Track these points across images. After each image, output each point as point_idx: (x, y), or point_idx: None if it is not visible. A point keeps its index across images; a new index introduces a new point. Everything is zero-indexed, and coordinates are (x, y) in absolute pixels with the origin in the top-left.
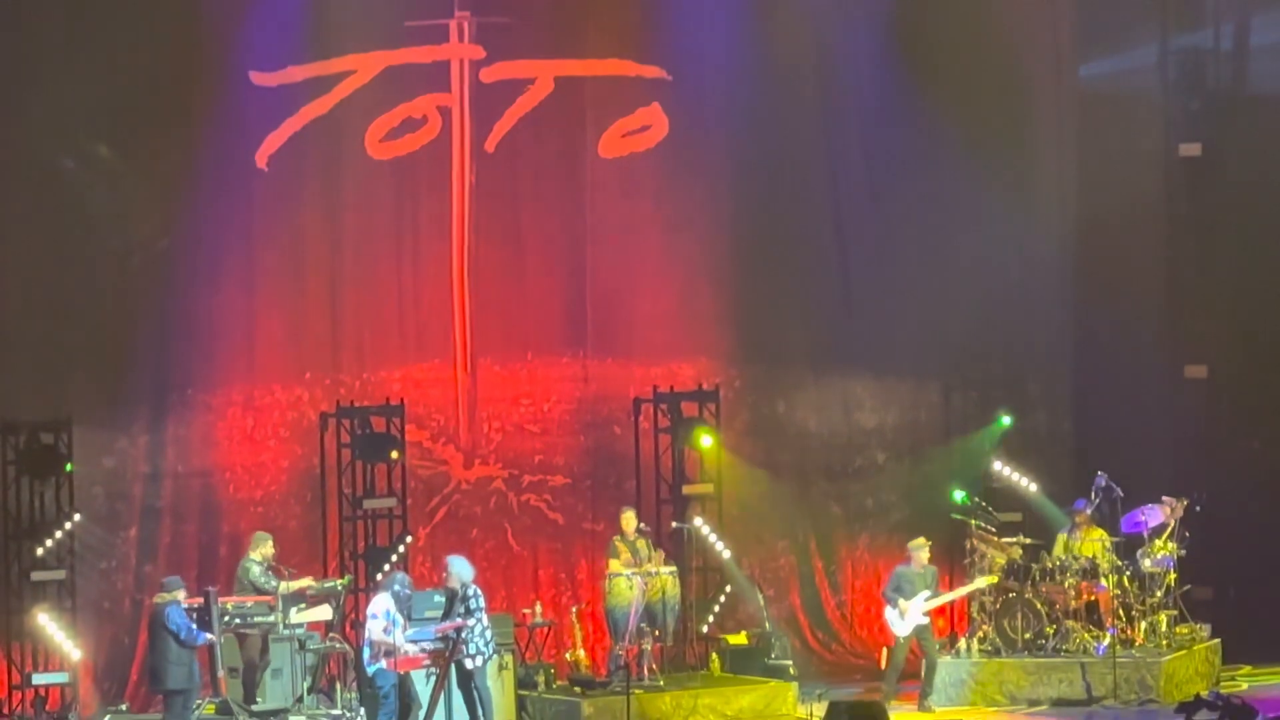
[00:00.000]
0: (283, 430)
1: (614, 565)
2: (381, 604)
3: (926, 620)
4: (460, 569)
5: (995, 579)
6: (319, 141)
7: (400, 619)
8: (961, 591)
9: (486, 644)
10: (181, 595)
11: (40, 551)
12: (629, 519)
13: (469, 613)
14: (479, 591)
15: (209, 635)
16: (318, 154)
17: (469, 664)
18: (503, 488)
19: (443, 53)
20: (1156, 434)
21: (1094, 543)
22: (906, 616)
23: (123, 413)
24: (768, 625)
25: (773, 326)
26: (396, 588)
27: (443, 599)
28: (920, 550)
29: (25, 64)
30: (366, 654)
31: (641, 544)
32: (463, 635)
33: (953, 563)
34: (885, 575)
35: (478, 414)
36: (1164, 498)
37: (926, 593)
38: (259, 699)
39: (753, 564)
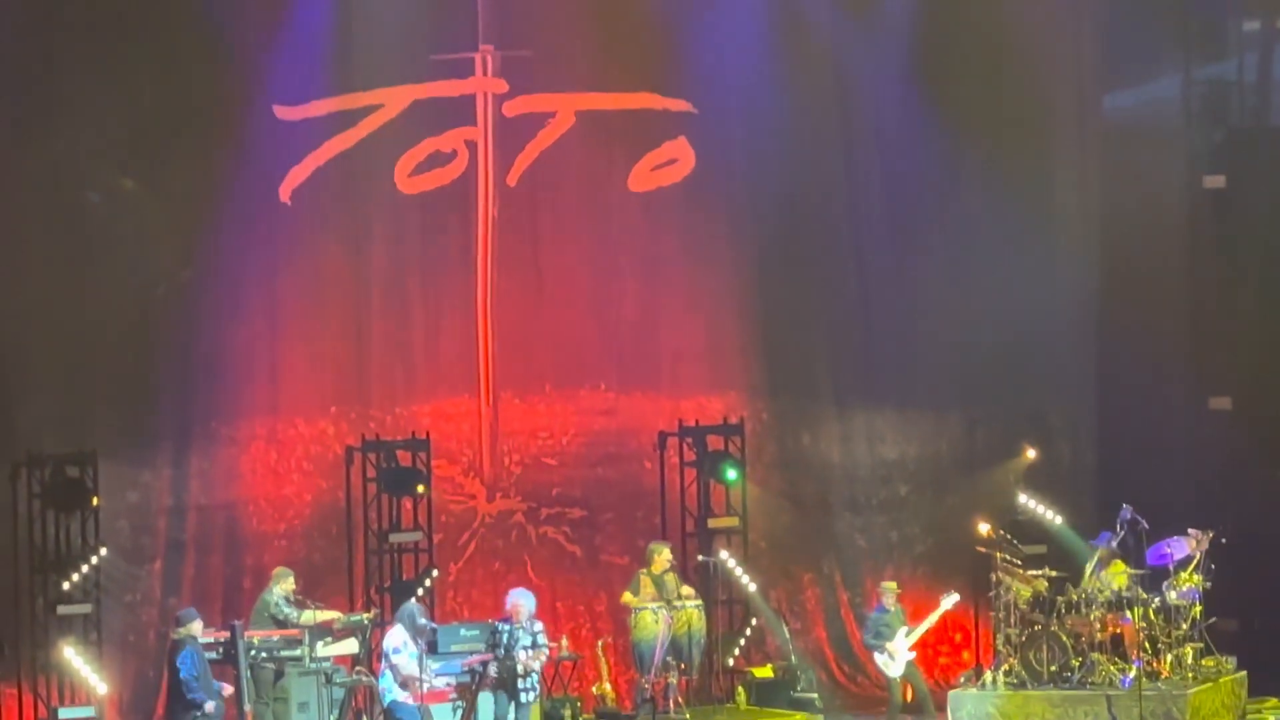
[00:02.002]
0: (306, 464)
1: (627, 598)
2: (400, 636)
3: (912, 654)
4: (530, 602)
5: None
6: (343, 175)
7: (419, 651)
8: (934, 617)
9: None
10: (197, 627)
11: (66, 585)
12: (666, 555)
13: (535, 646)
14: (543, 626)
15: (210, 705)
16: (342, 188)
17: (523, 697)
18: (522, 520)
19: (468, 86)
20: (1181, 466)
21: (1119, 575)
22: (897, 658)
23: (147, 446)
24: (793, 658)
25: (799, 359)
26: (421, 620)
27: (471, 632)
28: (890, 594)
29: (50, 97)
30: (384, 684)
31: (669, 578)
32: (488, 669)
33: (977, 595)
34: (911, 608)
35: (498, 447)
36: (1189, 530)
37: (904, 629)
38: None
39: (779, 597)
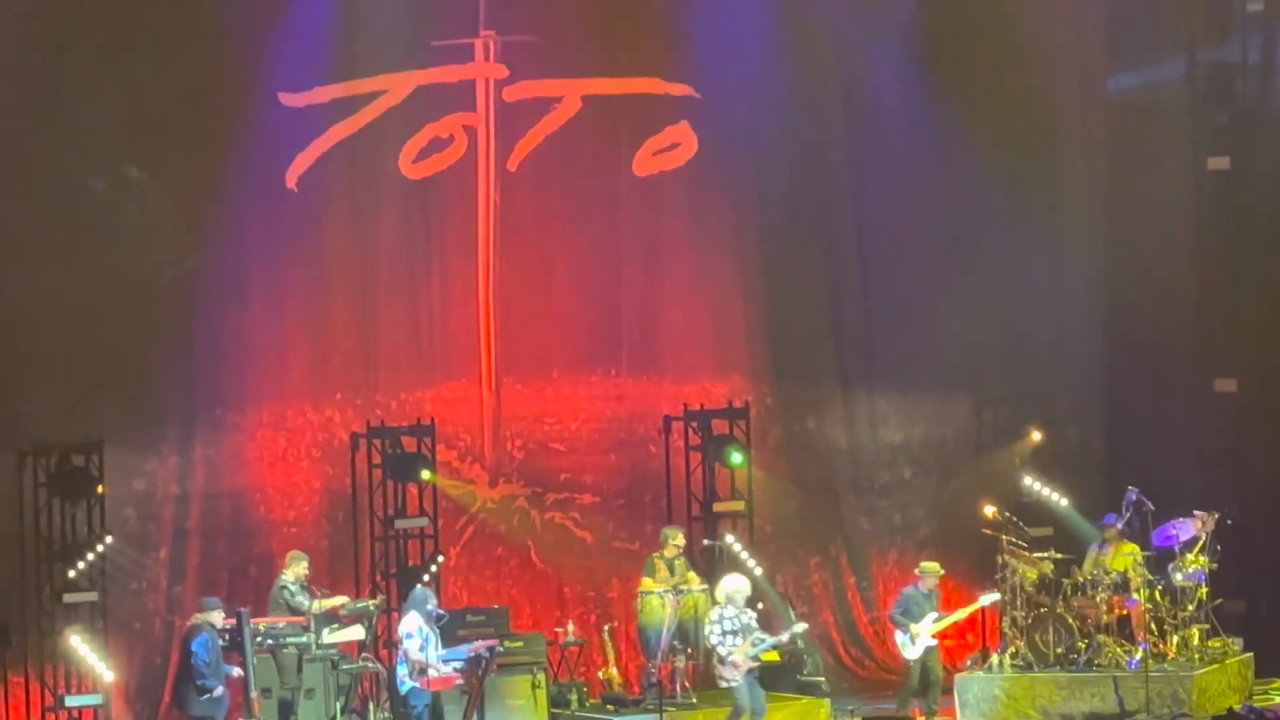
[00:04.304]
0: (314, 451)
1: (647, 583)
2: (414, 622)
3: (934, 641)
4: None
5: (997, 596)
6: (347, 161)
7: (433, 636)
8: (967, 611)
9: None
10: (216, 617)
11: (72, 573)
12: (679, 539)
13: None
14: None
15: (220, 689)
16: (346, 174)
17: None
18: (525, 505)
19: (468, 72)
20: (1187, 448)
21: (1125, 557)
22: (918, 641)
23: (153, 434)
24: (800, 642)
25: (803, 343)
26: (429, 606)
27: (477, 618)
28: (933, 576)
29: (55, 85)
30: (402, 671)
31: (678, 563)
32: (495, 652)
33: (983, 578)
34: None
35: (500, 433)
36: (1195, 511)
37: (933, 614)
38: None
39: (786, 581)
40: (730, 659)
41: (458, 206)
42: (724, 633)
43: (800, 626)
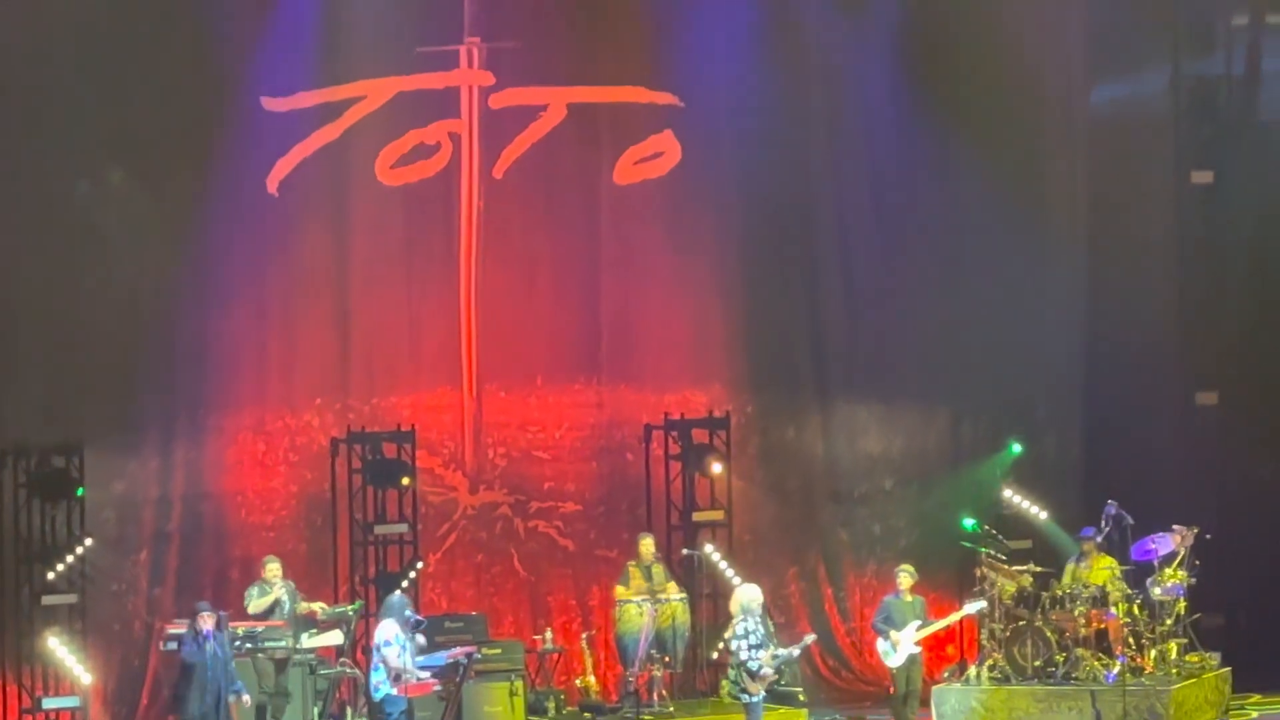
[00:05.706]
0: (293, 455)
1: (620, 591)
2: (390, 629)
3: (918, 650)
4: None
5: (983, 604)
6: (329, 167)
7: (409, 644)
8: (951, 619)
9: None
10: (200, 622)
11: (51, 575)
12: (647, 545)
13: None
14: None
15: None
16: (328, 179)
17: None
18: (508, 513)
19: (453, 79)
20: (1167, 461)
21: (1104, 571)
22: (899, 648)
23: (133, 437)
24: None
25: (783, 353)
26: (407, 613)
27: (455, 625)
28: (901, 575)
29: (38, 89)
30: (377, 678)
31: (657, 569)
32: (472, 659)
33: (962, 590)
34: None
35: (482, 440)
36: (1174, 526)
37: (916, 622)
38: None
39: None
40: (761, 673)
41: (441, 213)
42: (751, 647)
43: (810, 638)
